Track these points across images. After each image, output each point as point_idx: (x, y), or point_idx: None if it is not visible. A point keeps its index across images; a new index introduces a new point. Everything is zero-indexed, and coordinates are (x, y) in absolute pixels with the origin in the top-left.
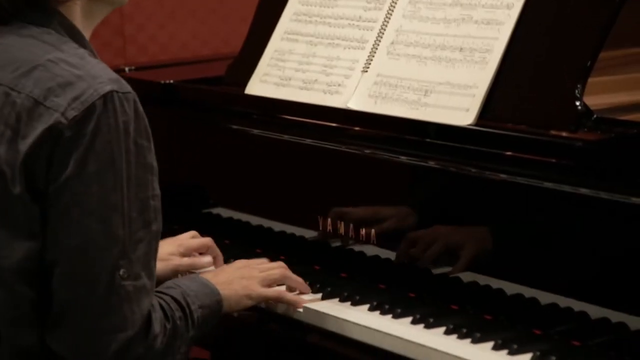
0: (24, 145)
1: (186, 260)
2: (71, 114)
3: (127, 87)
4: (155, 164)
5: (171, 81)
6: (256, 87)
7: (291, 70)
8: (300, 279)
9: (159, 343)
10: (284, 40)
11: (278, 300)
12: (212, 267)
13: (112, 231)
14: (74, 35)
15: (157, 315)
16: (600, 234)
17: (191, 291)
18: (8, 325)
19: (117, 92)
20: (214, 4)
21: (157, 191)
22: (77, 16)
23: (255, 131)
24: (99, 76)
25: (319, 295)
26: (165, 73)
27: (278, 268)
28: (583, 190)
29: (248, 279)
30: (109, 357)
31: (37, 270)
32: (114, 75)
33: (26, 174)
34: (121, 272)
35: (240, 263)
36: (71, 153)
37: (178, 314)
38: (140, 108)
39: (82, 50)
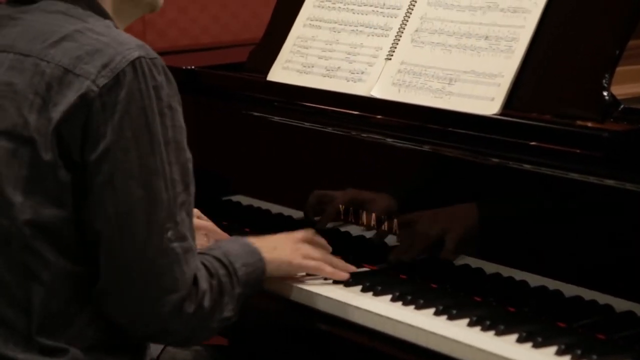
0: (56, 113)
1: None
2: (102, 81)
3: (154, 53)
4: (185, 126)
5: (192, 67)
6: (278, 73)
7: (314, 57)
8: (342, 262)
9: (208, 300)
10: (307, 27)
11: (317, 272)
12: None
13: (155, 195)
14: (101, 13)
15: (202, 274)
16: (625, 226)
17: (233, 250)
18: (48, 290)
19: (144, 57)
20: None
21: (190, 153)
22: (107, 4)
23: (277, 118)
24: (126, 42)
25: (341, 285)
26: (186, 58)
27: (323, 248)
28: (609, 182)
29: (291, 247)
30: (164, 319)
31: (70, 238)
32: (140, 41)
33: (59, 141)
34: (169, 234)
35: (285, 234)
36: (106, 121)
37: (222, 271)
38: (169, 72)
39: (108, 21)
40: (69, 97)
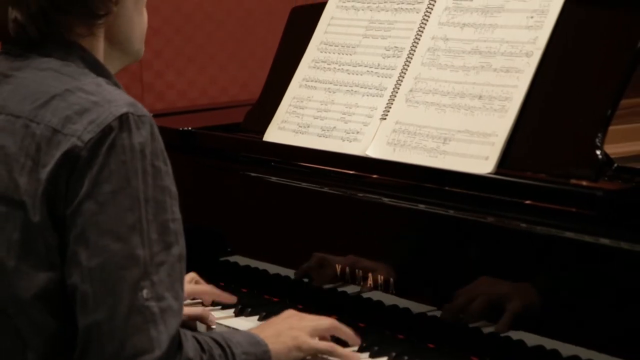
0: (44, 174)
1: None
2: (87, 136)
3: (144, 111)
4: (174, 188)
5: (189, 128)
6: (274, 134)
7: (309, 117)
8: (350, 331)
9: None
10: (303, 87)
11: (329, 353)
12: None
13: (131, 251)
14: (96, 68)
15: (190, 344)
16: (621, 285)
17: (234, 338)
18: (39, 355)
19: (132, 114)
20: (233, 51)
21: (177, 215)
22: (100, 52)
23: (274, 178)
24: (114, 100)
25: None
26: (183, 120)
27: (327, 318)
28: (604, 241)
29: (297, 329)
30: None
31: (60, 300)
32: (131, 99)
33: (47, 201)
34: (144, 292)
35: (289, 312)
36: (86, 174)
37: (217, 351)
38: (157, 131)
39: (100, 79)
40: (56, 157)
